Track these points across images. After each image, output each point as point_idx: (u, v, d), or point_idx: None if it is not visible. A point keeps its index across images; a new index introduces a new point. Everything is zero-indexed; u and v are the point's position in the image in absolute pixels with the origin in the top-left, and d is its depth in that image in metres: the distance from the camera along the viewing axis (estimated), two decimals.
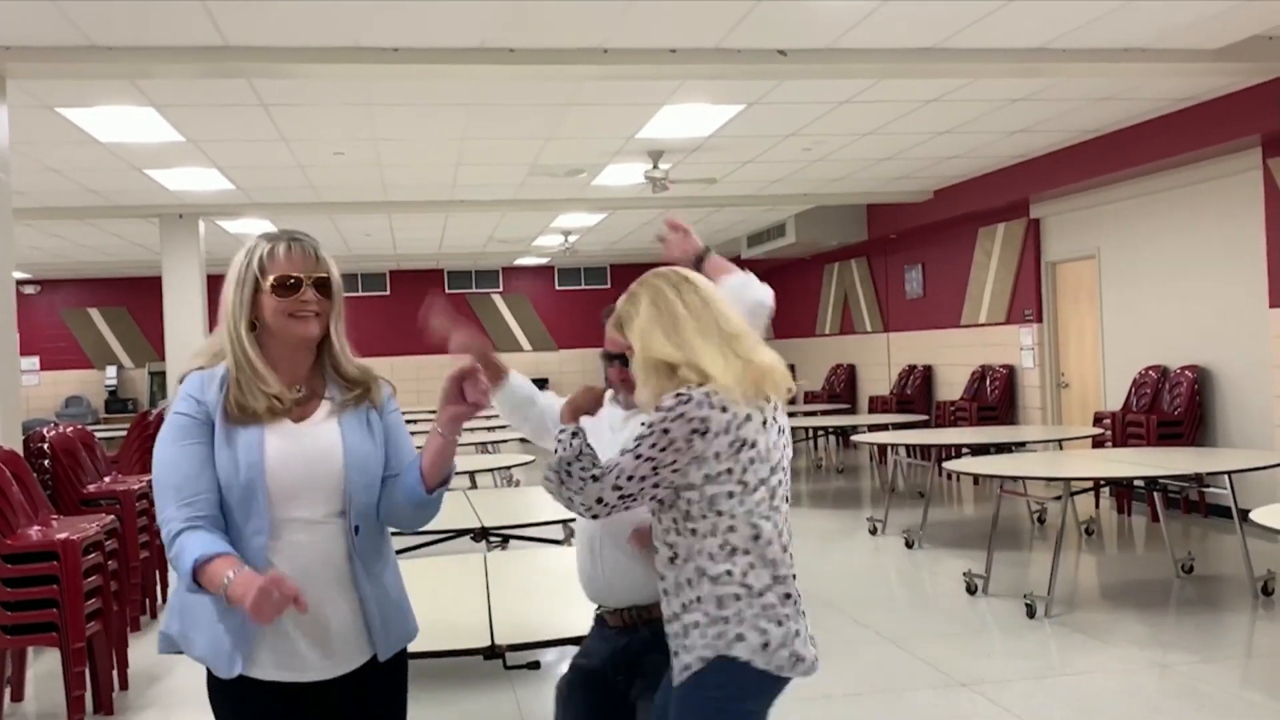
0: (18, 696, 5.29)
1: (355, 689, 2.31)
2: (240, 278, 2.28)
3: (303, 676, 2.24)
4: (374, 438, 2.33)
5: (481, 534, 5.41)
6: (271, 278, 2.26)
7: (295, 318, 2.26)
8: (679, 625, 2.33)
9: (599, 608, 2.78)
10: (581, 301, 20.10)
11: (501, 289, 19.96)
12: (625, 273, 20.12)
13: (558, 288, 20.15)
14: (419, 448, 2.33)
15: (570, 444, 2.40)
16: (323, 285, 2.30)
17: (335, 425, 2.29)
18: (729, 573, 2.30)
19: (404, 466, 2.35)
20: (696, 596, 2.32)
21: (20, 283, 17.34)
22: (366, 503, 2.30)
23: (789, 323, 18.35)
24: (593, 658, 2.77)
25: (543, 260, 19.10)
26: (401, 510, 2.33)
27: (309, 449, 2.25)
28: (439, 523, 5.18)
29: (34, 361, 18.05)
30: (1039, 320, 11.48)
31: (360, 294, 19.52)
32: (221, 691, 2.24)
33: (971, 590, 6.72)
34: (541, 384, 21.75)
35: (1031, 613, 6.12)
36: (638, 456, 2.31)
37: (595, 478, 2.33)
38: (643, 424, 2.36)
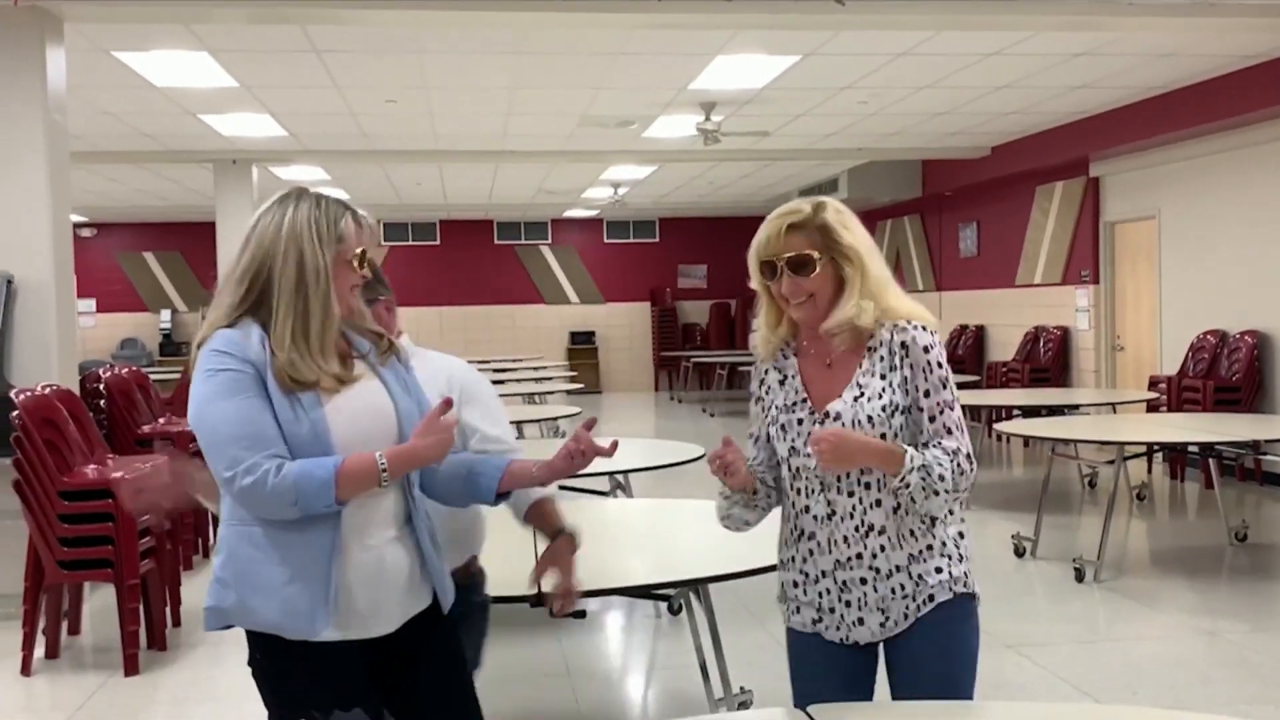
0: (74, 630, 5.41)
1: (414, 642, 2.31)
2: (314, 248, 2.21)
3: (366, 633, 2.23)
4: (411, 394, 2.34)
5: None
6: (355, 253, 2.27)
7: (355, 289, 2.31)
8: (904, 576, 2.28)
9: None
10: (630, 255, 20.04)
11: (550, 241, 19.95)
12: (674, 226, 20.02)
13: (606, 240, 20.09)
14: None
15: (928, 473, 2.23)
16: (371, 265, 2.37)
17: (379, 384, 2.30)
18: (951, 512, 2.32)
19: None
20: (927, 545, 2.30)
21: (77, 226, 17.58)
22: None
23: None
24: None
25: (591, 213, 19.04)
26: (451, 485, 2.33)
27: (364, 408, 2.24)
28: None
29: (90, 304, 18.33)
30: (1095, 281, 11.29)
31: (410, 243, 19.58)
32: (281, 659, 2.19)
33: (1020, 553, 6.67)
34: (589, 336, 21.75)
35: (1080, 577, 6.06)
36: (955, 400, 2.30)
37: (969, 456, 2.27)
38: (931, 363, 2.27)
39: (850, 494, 2.29)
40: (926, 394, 2.27)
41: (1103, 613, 5.63)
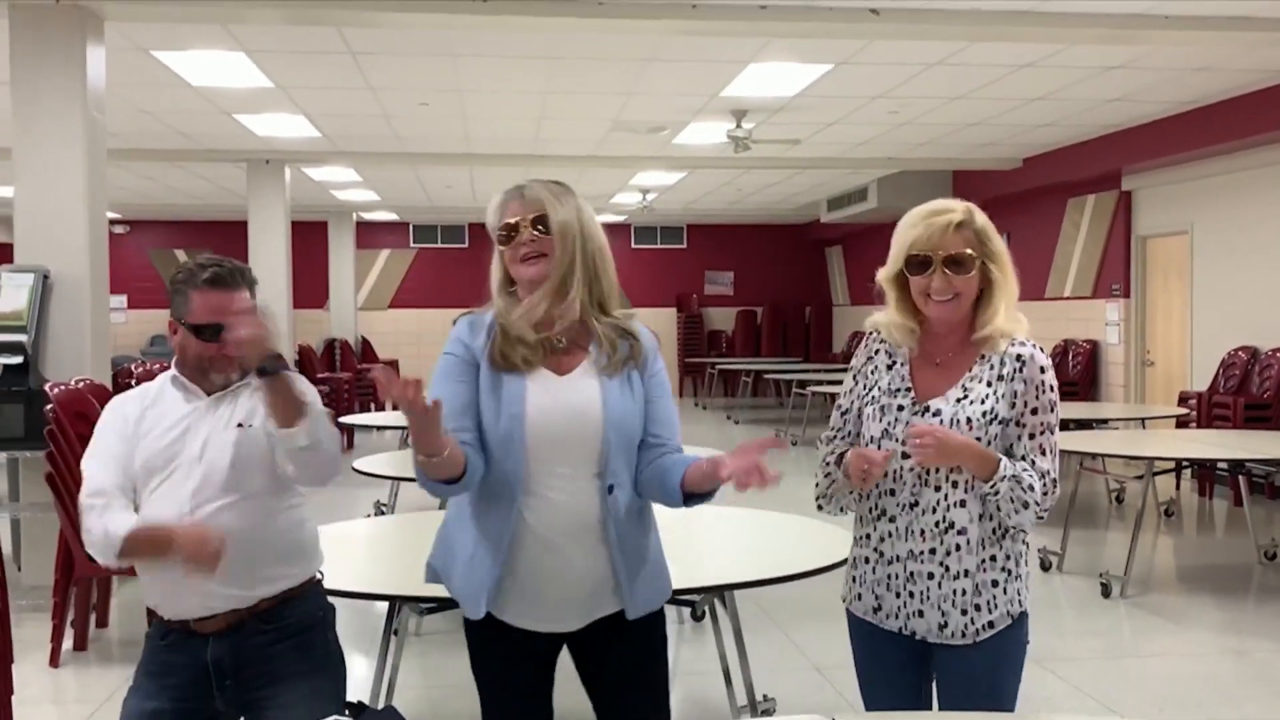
0: (102, 623, 5.47)
1: (603, 640, 2.34)
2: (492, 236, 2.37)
3: (544, 626, 2.29)
4: (634, 397, 2.31)
5: None
6: (496, 231, 2.33)
7: (524, 262, 2.30)
8: (970, 582, 2.30)
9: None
10: (657, 260, 20.05)
11: None
12: (702, 232, 20.02)
13: (634, 246, 20.11)
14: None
15: (1019, 483, 2.26)
16: (542, 223, 2.29)
17: (595, 381, 2.28)
18: (1022, 529, 2.35)
19: (663, 433, 2.33)
20: (991, 555, 2.32)
21: (110, 222, 17.74)
22: (623, 463, 2.28)
23: (867, 290, 18.14)
24: None
25: (619, 218, 19.07)
26: (650, 486, 2.31)
27: (567, 404, 2.25)
28: None
29: (122, 300, 18.49)
30: (1126, 296, 11.22)
31: (439, 245, 19.67)
32: (473, 629, 2.34)
33: (1046, 567, 6.63)
34: None
35: (1106, 592, 6.02)
36: (1055, 429, 2.32)
37: (1055, 481, 2.30)
38: (1045, 383, 2.29)
39: (937, 489, 2.31)
40: (1034, 411, 2.30)
41: (1129, 629, 5.59)
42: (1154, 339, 11.07)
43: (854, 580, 2.44)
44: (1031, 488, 2.25)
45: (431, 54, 7.65)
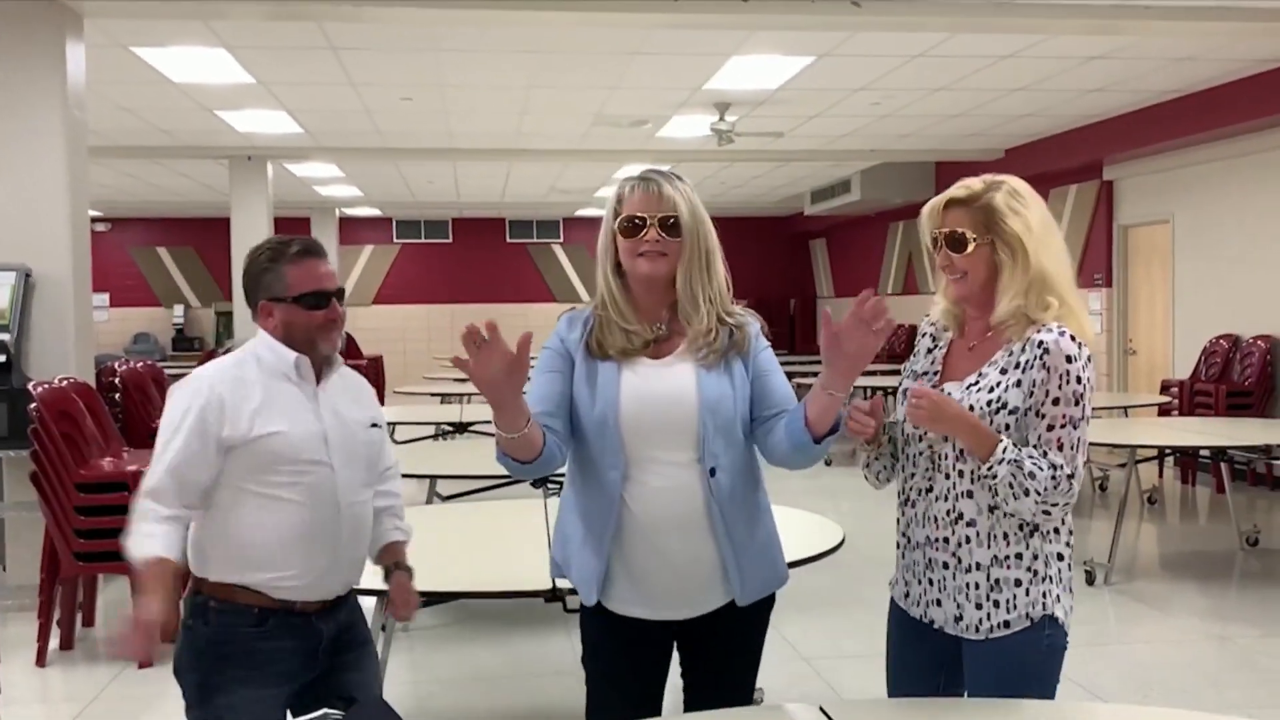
0: (88, 622, 5.45)
1: (713, 630, 2.36)
2: (606, 221, 2.38)
3: (657, 614, 2.31)
4: (733, 382, 2.30)
5: (541, 480, 5.45)
6: (619, 219, 2.32)
7: (642, 257, 2.29)
8: (983, 575, 2.25)
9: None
10: None
11: (562, 239, 19.97)
12: None
13: None
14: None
15: (1019, 468, 2.16)
16: (669, 224, 2.29)
17: (691, 366, 2.30)
18: (1057, 531, 2.27)
19: (778, 404, 2.32)
20: (1016, 553, 2.24)
21: (92, 220, 17.63)
22: (723, 447, 2.27)
23: (851, 281, 18.19)
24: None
25: (604, 212, 19.06)
26: (781, 448, 2.28)
27: (662, 389, 2.28)
28: (496, 468, 5.25)
29: (104, 298, 18.40)
30: (1108, 285, 11.27)
31: (423, 241, 19.63)
32: (587, 616, 2.38)
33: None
34: None
35: (1091, 580, 6.06)
36: (1082, 421, 2.19)
37: (1071, 477, 2.18)
38: (1070, 373, 2.16)
39: (947, 476, 2.28)
40: (1055, 401, 2.18)
41: (1113, 615, 5.63)
42: (1136, 328, 11.13)
43: (897, 565, 2.44)
44: (1033, 475, 2.15)
45: (413, 49, 7.63)
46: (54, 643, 5.00)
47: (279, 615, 2.42)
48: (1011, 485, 2.16)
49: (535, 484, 5.22)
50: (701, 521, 2.27)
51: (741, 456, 2.32)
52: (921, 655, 2.38)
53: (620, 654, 2.35)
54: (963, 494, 2.26)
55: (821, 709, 2.07)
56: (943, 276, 2.34)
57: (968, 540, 2.26)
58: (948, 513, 2.28)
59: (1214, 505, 8.47)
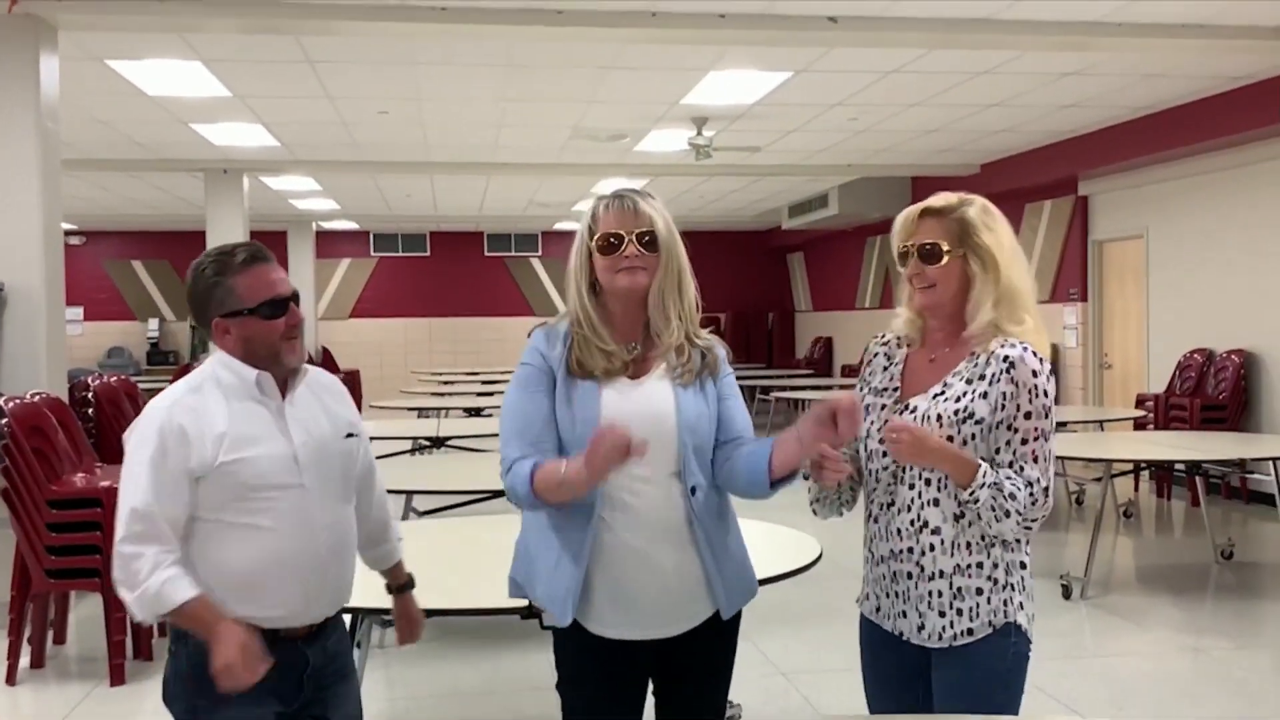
0: (60, 640, 5.39)
1: (693, 648, 2.35)
2: (580, 240, 2.35)
3: (643, 634, 2.30)
4: (707, 402, 2.34)
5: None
6: (596, 237, 2.31)
7: (621, 272, 2.30)
8: (945, 584, 2.27)
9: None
10: None
11: (540, 253, 19.97)
12: None
13: None
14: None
15: (999, 490, 2.20)
16: (646, 240, 2.30)
17: (669, 385, 2.31)
18: (1019, 540, 2.29)
19: (738, 432, 2.35)
20: (977, 562, 2.27)
21: (66, 234, 17.51)
22: (701, 465, 2.30)
23: (829, 295, 18.25)
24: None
25: (578, 231, 19.07)
26: (737, 480, 2.31)
27: (643, 408, 2.28)
28: (473, 483, 5.23)
29: (78, 312, 18.27)
30: (1084, 299, 11.35)
31: (400, 254, 19.58)
32: (565, 642, 2.34)
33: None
34: None
35: (1067, 594, 6.08)
36: (1051, 432, 2.25)
37: (1046, 490, 2.23)
38: (1038, 387, 2.23)
39: (911, 486, 2.30)
40: (1028, 415, 2.24)
41: (1089, 629, 5.64)
42: (1111, 342, 11.20)
43: (863, 580, 2.44)
44: (1013, 495, 2.19)
45: (390, 62, 7.62)
46: (25, 660, 4.95)
47: (264, 637, 2.30)
48: (994, 508, 2.20)
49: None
50: (685, 537, 2.29)
51: (711, 472, 2.35)
52: (896, 669, 2.38)
53: (601, 679, 2.32)
54: (929, 503, 2.28)
55: None
56: (907, 287, 2.36)
57: (931, 549, 2.28)
58: (911, 523, 2.29)
59: (1189, 519, 8.51)
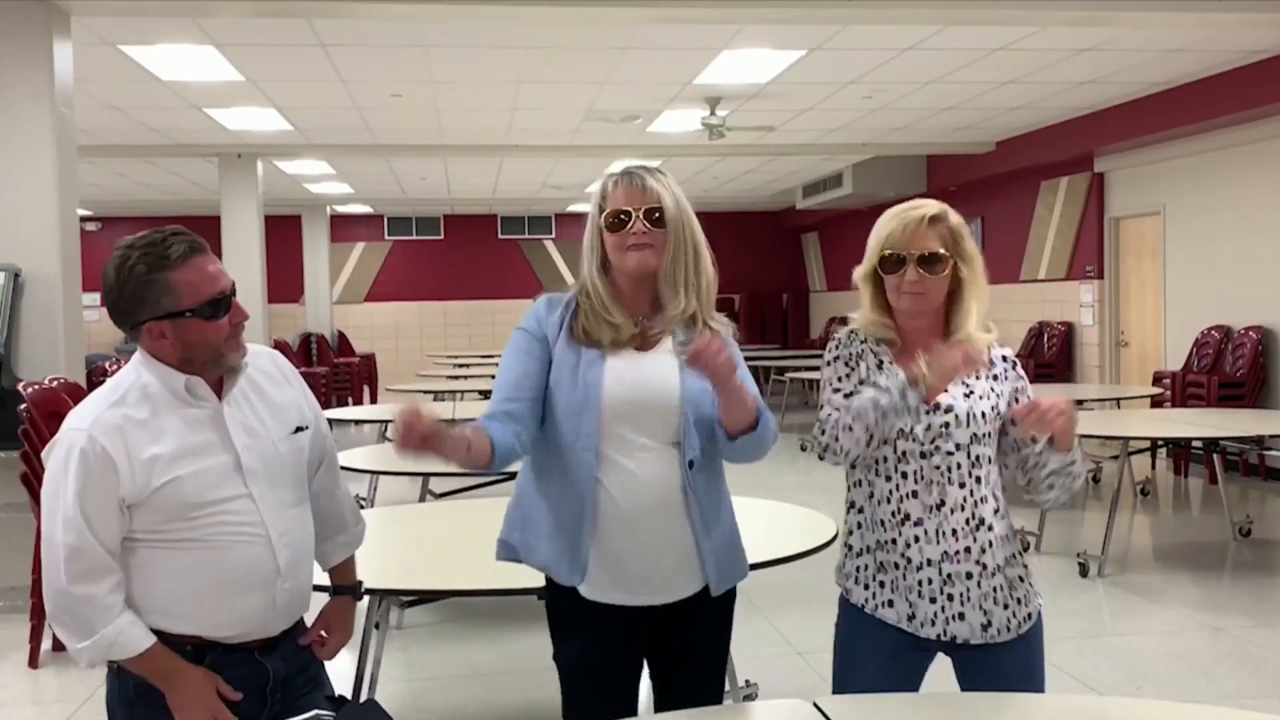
0: None
1: (685, 618, 2.37)
2: (592, 218, 2.36)
3: (632, 600, 2.31)
4: (708, 381, 2.32)
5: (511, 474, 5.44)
6: (604, 215, 2.32)
7: (630, 249, 2.30)
8: (1003, 578, 2.33)
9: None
10: None
11: (554, 235, 19.96)
12: None
13: None
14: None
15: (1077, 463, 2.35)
16: (654, 216, 2.30)
17: (675, 360, 2.31)
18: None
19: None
20: (1014, 551, 2.37)
21: (82, 220, 17.57)
22: (699, 440, 2.31)
23: (842, 275, 18.18)
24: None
25: (589, 209, 19.06)
26: (726, 448, 2.35)
27: (648, 376, 2.30)
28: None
29: (95, 298, 18.33)
30: (1100, 277, 11.29)
31: (414, 237, 19.60)
32: (558, 602, 2.34)
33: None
34: None
35: (1084, 572, 6.07)
36: None
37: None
38: (1028, 389, 2.38)
39: (962, 485, 2.30)
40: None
41: (1107, 607, 5.64)
42: (1128, 320, 11.14)
43: (880, 586, 2.33)
44: (1084, 454, 2.34)
45: (403, 45, 7.61)
46: (46, 644, 4.99)
47: (217, 650, 2.11)
48: (1080, 471, 2.33)
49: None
50: (678, 508, 2.30)
51: (710, 451, 2.35)
52: (914, 673, 2.36)
53: (595, 643, 2.33)
54: (980, 499, 2.31)
55: (815, 704, 2.06)
56: (871, 289, 2.39)
57: (991, 545, 2.31)
58: (967, 521, 2.30)
59: (1207, 496, 8.48)
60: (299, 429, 2.25)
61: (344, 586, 2.43)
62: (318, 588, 2.40)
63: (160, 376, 2.09)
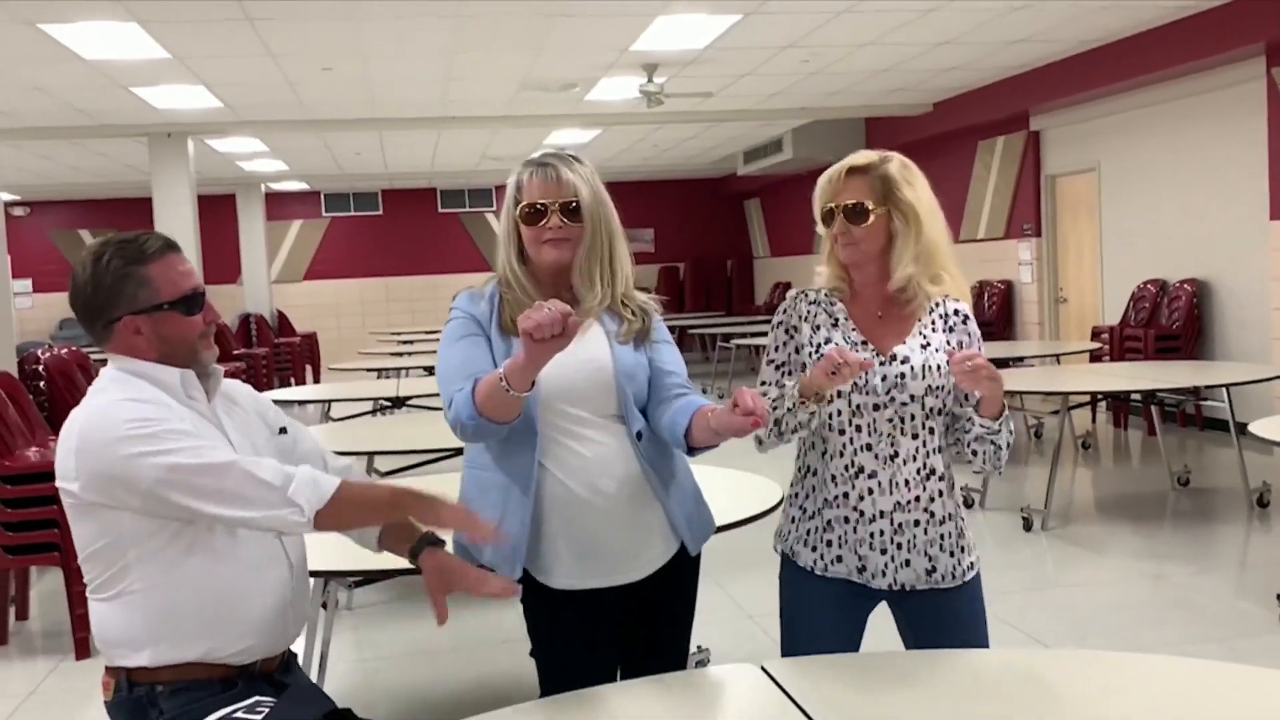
0: (22, 615, 5.33)
1: (661, 589, 2.36)
2: (508, 208, 2.31)
3: (608, 581, 2.28)
4: (641, 356, 2.34)
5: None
6: (520, 207, 2.27)
7: (547, 244, 2.26)
8: (952, 525, 2.37)
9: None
10: None
11: (495, 208, 19.80)
12: (620, 190, 19.51)
13: None
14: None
15: (1009, 427, 2.35)
16: (571, 209, 2.25)
17: (603, 335, 2.29)
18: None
19: (671, 369, 2.34)
20: (959, 502, 2.42)
21: (9, 205, 17.18)
22: (640, 413, 2.30)
23: (786, 240, 18.25)
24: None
25: (506, 198, 18.92)
26: (660, 428, 2.31)
27: (580, 355, 2.22)
28: (435, 442, 5.19)
29: (26, 284, 17.95)
30: (1038, 235, 11.41)
31: (353, 213, 19.36)
32: (534, 601, 2.30)
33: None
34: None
35: (1028, 526, 6.16)
36: None
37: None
38: (979, 344, 2.37)
39: (915, 436, 2.33)
40: None
41: (1051, 560, 5.73)
42: (1066, 276, 11.28)
43: (828, 546, 2.36)
44: (1012, 430, 2.35)
45: (331, 17, 7.46)
46: None
47: (246, 677, 2.09)
48: (1009, 441, 2.34)
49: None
50: (639, 481, 2.29)
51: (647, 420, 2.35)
52: (858, 623, 2.41)
53: (572, 634, 2.31)
54: (934, 450, 2.35)
55: (763, 668, 2.07)
56: (828, 243, 2.39)
57: (940, 494, 2.35)
58: (918, 471, 2.33)
59: (1146, 447, 8.64)
60: (282, 430, 2.28)
61: (426, 536, 2.19)
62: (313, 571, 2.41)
63: (153, 371, 2.06)
